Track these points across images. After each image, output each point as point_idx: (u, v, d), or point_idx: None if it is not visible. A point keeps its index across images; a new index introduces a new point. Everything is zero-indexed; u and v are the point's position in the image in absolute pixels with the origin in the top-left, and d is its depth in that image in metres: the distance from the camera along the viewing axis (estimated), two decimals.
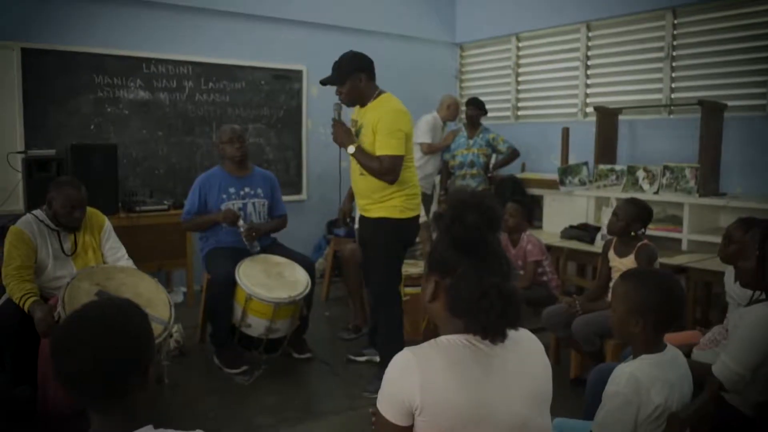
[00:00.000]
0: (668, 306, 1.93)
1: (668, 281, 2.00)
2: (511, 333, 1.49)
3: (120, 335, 1.31)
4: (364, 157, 3.50)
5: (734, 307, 2.91)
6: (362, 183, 3.61)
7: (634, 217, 3.53)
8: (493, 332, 1.45)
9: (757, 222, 2.91)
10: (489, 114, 6.28)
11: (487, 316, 1.43)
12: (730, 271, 3.04)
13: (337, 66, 3.59)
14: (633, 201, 3.63)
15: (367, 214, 3.69)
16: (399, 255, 3.73)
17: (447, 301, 1.51)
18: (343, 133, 3.56)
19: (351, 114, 3.78)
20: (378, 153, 3.45)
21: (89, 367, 1.26)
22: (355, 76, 3.52)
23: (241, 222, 4.01)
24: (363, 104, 3.61)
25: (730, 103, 4.93)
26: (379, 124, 3.45)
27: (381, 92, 3.60)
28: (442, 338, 1.51)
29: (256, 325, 3.80)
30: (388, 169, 3.45)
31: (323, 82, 3.66)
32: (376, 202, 3.60)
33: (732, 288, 2.97)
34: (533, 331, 1.64)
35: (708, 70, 5.26)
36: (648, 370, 1.86)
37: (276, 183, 4.39)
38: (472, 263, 1.48)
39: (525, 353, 1.55)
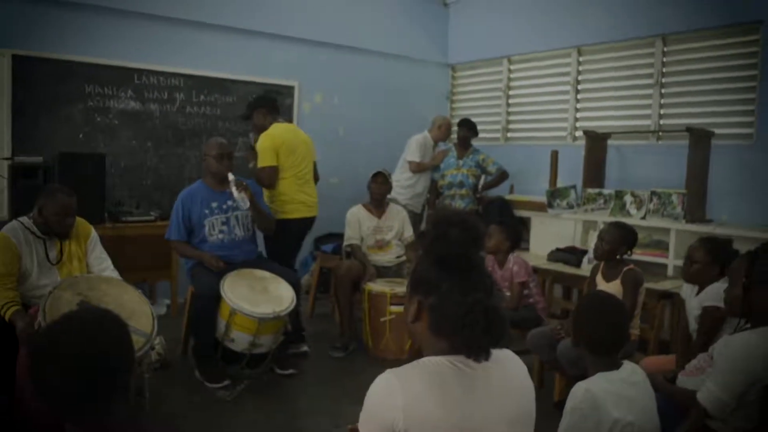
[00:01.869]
0: (601, 332, 2.05)
1: (604, 307, 2.13)
2: (495, 353, 1.49)
3: (98, 347, 1.28)
4: None
5: (693, 322, 3.06)
6: None
7: (619, 240, 3.55)
8: (478, 349, 1.44)
9: (719, 242, 3.11)
10: (479, 135, 6.30)
11: (472, 332, 1.42)
12: (687, 289, 3.24)
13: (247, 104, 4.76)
14: (618, 224, 3.64)
15: None
16: (279, 249, 4.51)
17: (430, 320, 1.50)
18: None
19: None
20: None
21: (66, 378, 1.23)
22: (257, 111, 4.59)
23: (231, 177, 3.99)
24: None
25: (717, 131, 4.97)
26: None
27: (277, 123, 4.53)
28: (425, 359, 1.50)
29: (240, 340, 3.77)
30: (260, 178, 4.44)
31: (242, 117, 4.90)
32: None
33: (691, 302, 3.13)
34: (518, 353, 1.64)
35: (696, 97, 5.31)
36: (603, 385, 1.92)
37: (259, 189, 4.35)
38: (456, 281, 1.48)
39: (508, 374, 1.55)
